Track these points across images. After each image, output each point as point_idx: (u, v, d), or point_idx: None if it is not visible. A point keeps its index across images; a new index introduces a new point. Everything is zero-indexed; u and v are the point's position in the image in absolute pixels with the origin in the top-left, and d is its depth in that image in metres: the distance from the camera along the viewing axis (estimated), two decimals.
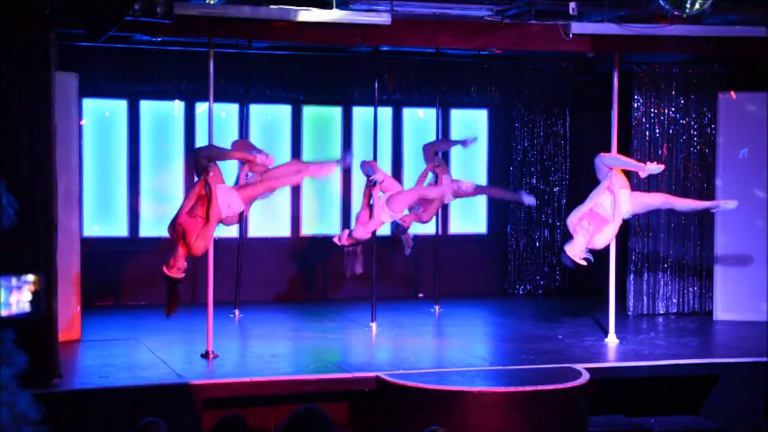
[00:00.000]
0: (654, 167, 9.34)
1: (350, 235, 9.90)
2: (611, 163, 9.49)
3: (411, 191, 10.33)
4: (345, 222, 12.44)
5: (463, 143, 10.78)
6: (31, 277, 2.39)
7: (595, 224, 9.25)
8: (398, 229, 10.37)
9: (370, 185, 10.08)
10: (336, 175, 12.71)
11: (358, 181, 12.39)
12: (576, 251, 9.19)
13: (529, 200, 10.67)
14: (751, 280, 11.06)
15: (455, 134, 13.11)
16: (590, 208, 9.34)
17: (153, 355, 8.96)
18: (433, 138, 11.88)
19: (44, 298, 2.40)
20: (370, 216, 10.00)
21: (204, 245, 8.28)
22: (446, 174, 10.62)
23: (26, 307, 2.37)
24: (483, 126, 13.33)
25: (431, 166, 10.66)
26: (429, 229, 11.54)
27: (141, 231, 12.09)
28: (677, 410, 9.05)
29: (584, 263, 9.21)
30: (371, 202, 10.09)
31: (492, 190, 11.84)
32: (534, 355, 9.16)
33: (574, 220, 9.35)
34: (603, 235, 9.22)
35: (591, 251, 9.25)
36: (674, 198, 10.10)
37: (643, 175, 9.64)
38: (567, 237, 13.05)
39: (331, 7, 8.99)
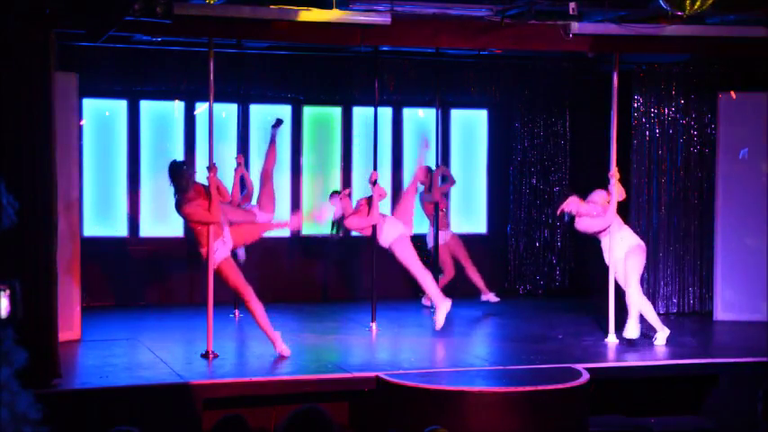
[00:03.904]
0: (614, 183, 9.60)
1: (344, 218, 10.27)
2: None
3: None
4: None
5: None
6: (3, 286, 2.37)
7: (591, 208, 9.49)
8: None
9: (371, 184, 10.22)
10: (336, 174, 12.73)
11: (358, 181, 12.40)
12: (574, 206, 9.59)
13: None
14: (751, 280, 11.05)
15: (455, 134, 13.13)
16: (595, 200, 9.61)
17: (153, 355, 8.96)
18: (433, 137, 11.82)
19: (21, 305, 2.38)
20: (369, 212, 10.21)
21: (217, 214, 8.73)
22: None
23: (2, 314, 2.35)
24: (483, 126, 13.32)
25: (440, 170, 10.88)
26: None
27: (141, 231, 12.09)
28: (677, 410, 9.05)
29: (565, 214, 9.65)
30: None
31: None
32: (534, 355, 9.16)
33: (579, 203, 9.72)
34: (585, 221, 9.55)
35: (571, 219, 9.69)
36: None
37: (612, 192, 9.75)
38: (568, 237, 13.11)
39: (331, 7, 8.99)
